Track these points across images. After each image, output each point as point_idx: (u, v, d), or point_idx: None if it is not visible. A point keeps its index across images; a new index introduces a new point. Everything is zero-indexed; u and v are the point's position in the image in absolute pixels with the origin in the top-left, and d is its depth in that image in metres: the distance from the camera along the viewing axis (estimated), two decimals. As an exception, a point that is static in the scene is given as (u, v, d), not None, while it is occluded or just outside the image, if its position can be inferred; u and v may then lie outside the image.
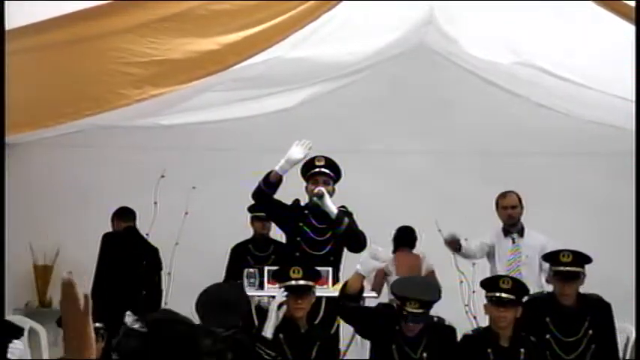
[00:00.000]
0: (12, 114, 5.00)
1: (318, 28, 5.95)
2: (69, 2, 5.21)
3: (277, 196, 5.96)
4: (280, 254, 7.26)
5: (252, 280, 6.19)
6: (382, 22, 6.34)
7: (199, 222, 7.62)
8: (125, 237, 7.38)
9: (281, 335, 5.05)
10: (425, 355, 4.97)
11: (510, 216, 6.67)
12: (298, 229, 5.99)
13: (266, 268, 6.15)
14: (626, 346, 6.75)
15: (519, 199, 6.74)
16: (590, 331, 5.30)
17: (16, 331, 4.97)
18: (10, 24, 4.87)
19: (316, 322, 5.65)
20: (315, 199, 5.88)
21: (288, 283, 5.14)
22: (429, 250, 7.45)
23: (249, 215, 7.37)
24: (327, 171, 5.95)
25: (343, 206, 6.01)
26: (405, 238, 7.51)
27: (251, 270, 6.25)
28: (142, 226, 7.47)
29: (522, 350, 5.02)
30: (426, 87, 7.75)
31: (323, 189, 5.87)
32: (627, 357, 6.66)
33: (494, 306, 5.04)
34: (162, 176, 7.65)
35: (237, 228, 7.50)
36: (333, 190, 5.99)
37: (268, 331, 5.04)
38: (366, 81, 7.47)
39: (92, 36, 5.44)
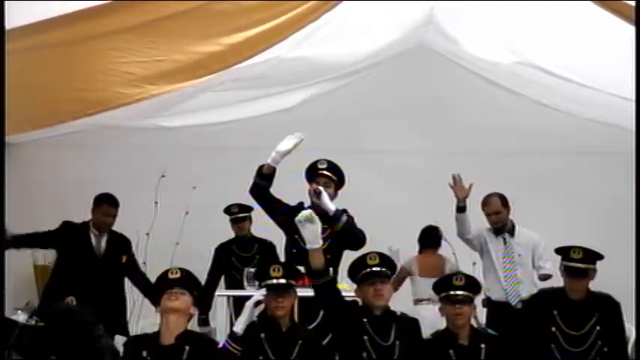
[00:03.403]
0: (12, 114, 5.01)
1: (318, 28, 5.97)
2: (69, 2, 5.22)
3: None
4: (265, 254, 7.28)
5: (252, 281, 6.21)
6: (382, 22, 6.35)
7: (199, 222, 7.62)
8: None
9: (262, 335, 5.04)
10: (397, 343, 5.01)
11: (495, 222, 6.65)
12: (297, 228, 6.01)
13: (245, 270, 6.17)
14: (626, 345, 6.74)
15: (503, 202, 6.66)
16: (598, 327, 5.32)
17: None
18: (10, 24, 4.88)
19: (316, 322, 5.66)
20: (313, 197, 5.93)
21: (268, 282, 5.13)
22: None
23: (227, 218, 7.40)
24: (327, 173, 5.99)
25: (345, 210, 6.04)
26: (428, 239, 7.46)
27: (251, 270, 6.27)
28: (142, 226, 7.47)
29: (483, 346, 5.04)
30: (426, 87, 7.74)
31: (321, 187, 5.91)
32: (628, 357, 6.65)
33: (450, 304, 5.07)
34: (163, 176, 7.64)
35: (238, 228, 7.50)
36: (335, 194, 6.02)
37: (239, 327, 5.01)
38: (366, 81, 7.47)
39: (92, 36, 5.45)
